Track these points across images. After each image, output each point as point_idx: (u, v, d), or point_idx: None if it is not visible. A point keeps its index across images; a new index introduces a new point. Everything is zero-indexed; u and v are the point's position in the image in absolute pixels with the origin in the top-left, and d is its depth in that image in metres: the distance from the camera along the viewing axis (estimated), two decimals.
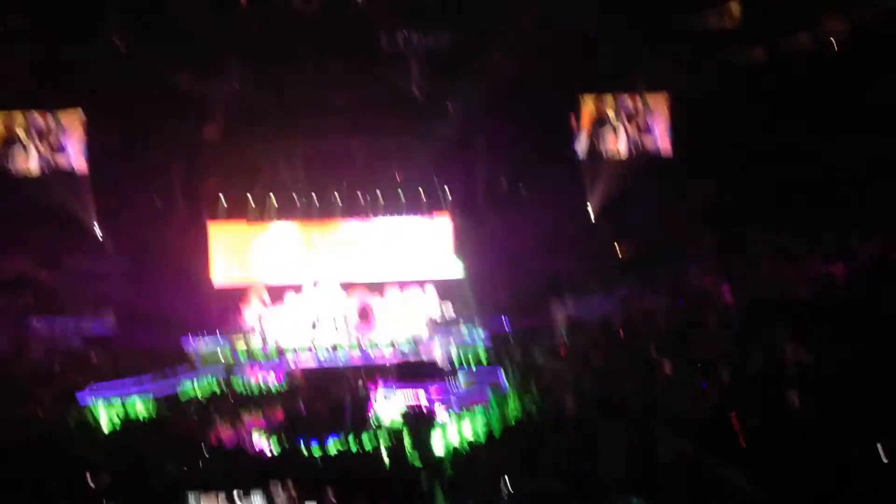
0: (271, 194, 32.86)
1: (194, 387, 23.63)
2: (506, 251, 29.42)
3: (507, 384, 21.38)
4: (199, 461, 14.45)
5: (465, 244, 32.80)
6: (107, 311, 28.78)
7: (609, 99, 29.69)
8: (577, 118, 29.42)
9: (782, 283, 22.05)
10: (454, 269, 32.84)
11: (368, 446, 15.75)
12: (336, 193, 33.08)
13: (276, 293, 31.90)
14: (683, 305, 24.06)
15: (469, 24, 27.16)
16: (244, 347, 28.04)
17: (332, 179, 33.09)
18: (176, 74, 27.93)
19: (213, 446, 16.13)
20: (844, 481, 10.44)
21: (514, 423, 17.98)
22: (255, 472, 13.39)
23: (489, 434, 17.07)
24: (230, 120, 30.73)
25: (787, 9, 27.45)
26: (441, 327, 30.40)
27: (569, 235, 32.31)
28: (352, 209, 33.28)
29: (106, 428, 19.22)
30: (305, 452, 15.24)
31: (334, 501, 11.92)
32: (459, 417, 18.27)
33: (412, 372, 21.71)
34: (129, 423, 19.20)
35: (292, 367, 26.15)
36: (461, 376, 22.30)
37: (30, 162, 28.04)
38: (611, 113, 29.64)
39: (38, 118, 28.17)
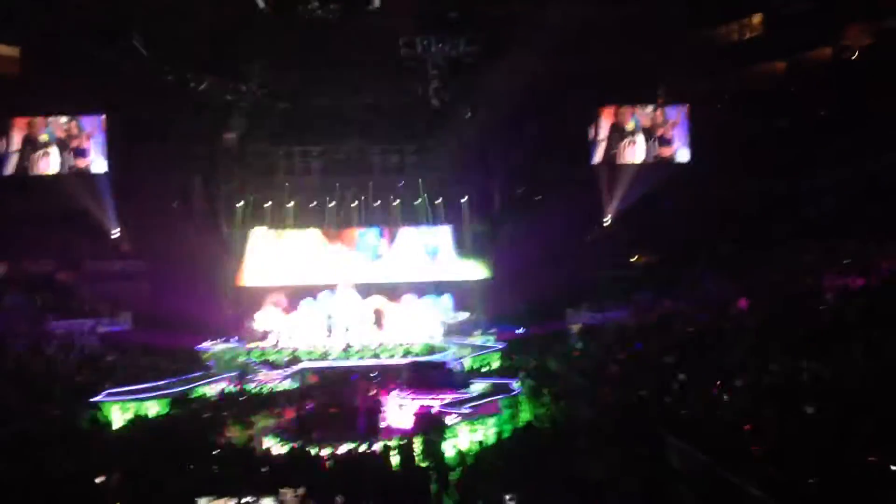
0: (290, 199, 33.12)
1: (209, 390, 23.69)
2: (523, 258, 29.33)
3: (520, 390, 21.31)
4: (211, 465, 14.48)
5: (482, 251, 32.89)
6: (124, 313, 29.00)
7: (628, 110, 29.67)
8: (597, 128, 29.40)
9: (800, 292, 21.86)
10: (471, 276, 32.97)
11: (380, 451, 15.72)
12: (354, 199, 33.31)
13: (293, 297, 32.11)
14: (700, 313, 23.87)
15: (490, 33, 27.22)
16: (259, 351, 28.13)
17: (351, 185, 33.35)
18: (198, 81, 28.23)
19: (225, 450, 16.14)
20: (859, 492, 10.36)
21: (525, 429, 17.93)
22: (267, 477, 13.45)
23: (500, 440, 17.05)
24: (251, 126, 31.06)
25: (807, 19, 27.40)
26: (456, 333, 30.45)
27: (586, 243, 32.35)
28: (369, 215, 33.56)
29: (120, 429, 19.33)
30: (317, 457, 15.23)
31: None
32: (471, 423, 18.21)
33: (425, 377, 21.64)
34: (142, 426, 19.26)
35: (306, 370, 26.17)
36: (474, 382, 22.21)
37: (53, 166, 28.37)
38: (630, 124, 29.63)
39: (61, 123, 28.51)
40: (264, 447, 17.11)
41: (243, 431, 18.79)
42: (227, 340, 29.51)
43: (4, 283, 28.43)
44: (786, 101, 27.69)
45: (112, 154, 28.53)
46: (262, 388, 24.14)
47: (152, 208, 30.77)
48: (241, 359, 27.49)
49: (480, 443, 16.79)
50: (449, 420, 18.23)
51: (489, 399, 19.93)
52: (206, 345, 28.66)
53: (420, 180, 33.19)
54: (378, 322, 31.37)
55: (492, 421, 18.58)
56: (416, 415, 19.05)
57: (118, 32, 26.26)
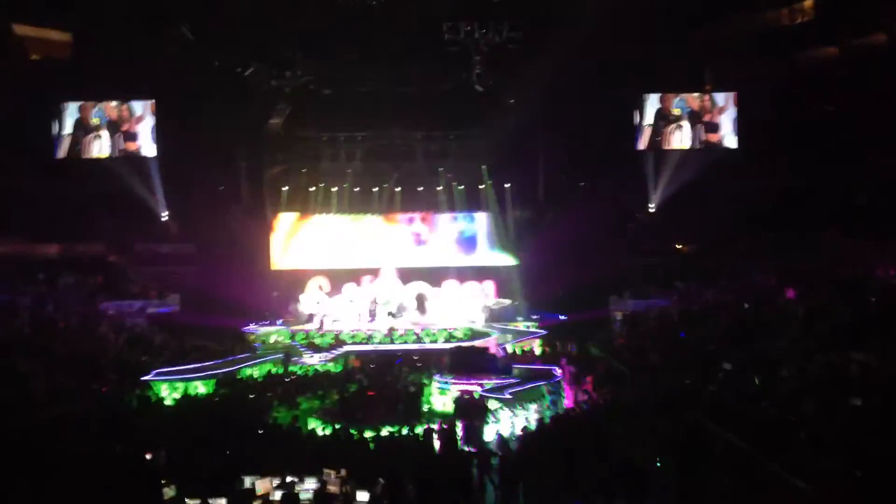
0: (334, 185, 33.40)
1: (255, 371, 24.10)
2: (566, 245, 29.22)
3: (561, 376, 21.32)
4: (256, 445, 14.74)
5: (524, 237, 32.83)
6: (173, 295, 29.54)
7: (673, 96, 29.32)
8: (642, 113, 29.10)
9: (849, 281, 21.47)
10: (513, 262, 32.98)
11: (421, 434, 15.85)
12: (397, 185, 33.47)
13: (336, 281, 32.45)
14: (744, 303, 23.57)
15: (534, 19, 27.03)
16: (303, 334, 28.50)
17: (394, 171, 33.50)
18: (244, 67, 28.51)
19: (270, 430, 16.41)
20: None
21: (566, 415, 17.96)
22: (310, 457, 13.65)
23: (541, 425, 17.09)
24: (296, 112, 31.30)
25: (859, 4, 26.76)
26: (497, 319, 30.51)
27: (630, 230, 32.10)
28: (412, 201, 33.74)
29: (167, 409, 19.74)
30: (360, 439, 15.40)
31: (385, 489, 12.07)
32: (512, 408, 18.27)
33: (466, 361, 21.73)
34: (189, 405, 19.65)
35: (349, 353, 26.46)
36: (515, 367, 22.25)
37: (104, 149, 28.91)
38: (677, 110, 29.27)
39: (111, 108, 29.03)
40: (308, 428, 17.36)
41: (288, 412, 19.13)
42: (272, 323, 30.03)
43: (57, 264, 29.10)
44: (836, 87, 27.06)
45: (161, 138, 28.99)
46: (306, 371, 24.50)
47: (200, 192, 31.30)
48: (286, 341, 27.95)
49: (523, 428, 16.83)
50: (488, 403, 18.33)
51: (529, 384, 19.97)
52: (251, 327, 29.22)
53: (463, 166, 33.19)
54: (420, 307, 31.59)
55: (531, 405, 18.65)
56: (456, 397, 19.20)
57: (166, 18, 26.64)
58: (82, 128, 28.80)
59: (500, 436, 16.78)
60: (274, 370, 24.16)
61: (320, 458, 13.23)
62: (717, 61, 29.59)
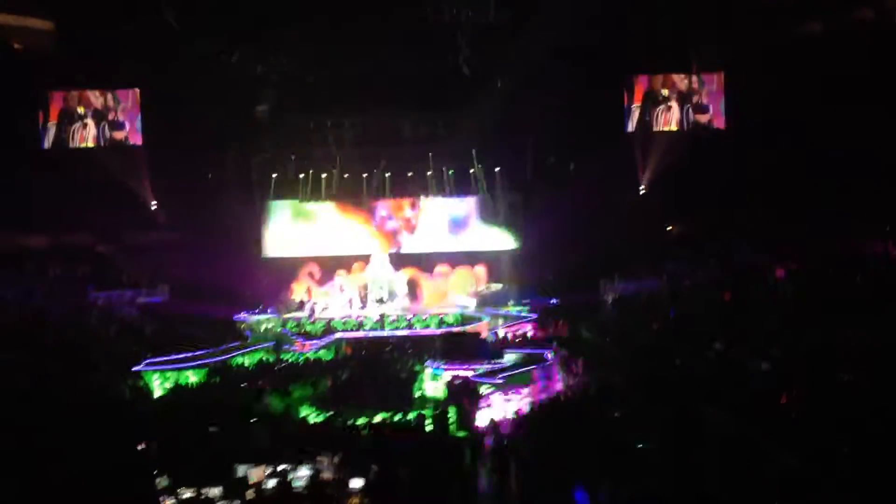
0: (322, 171, 33.22)
1: (245, 360, 24.06)
2: (555, 228, 29.19)
3: (552, 360, 21.35)
4: (249, 434, 14.70)
5: (515, 220, 32.79)
6: (162, 284, 29.41)
7: (661, 77, 29.26)
8: (630, 95, 29.04)
9: (839, 258, 21.56)
10: (503, 246, 32.92)
11: (413, 420, 15.87)
12: (386, 170, 33.32)
13: (326, 268, 32.37)
14: (736, 281, 23.64)
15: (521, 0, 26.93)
16: (294, 322, 28.45)
17: (383, 156, 33.32)
18: (229, 54, 28.30)
19: (262, 419, 16.39)
20: (892, 461, 10.27)
21: (558, 399, 18.01)
22: (303, 445, 13.63)
23: (533, 409, 17.13)
24: (282, 98, 31.10)
25: None
26: (489, 303, 30.51)
27: (620, 212, 32.07)
28: (401, 186, 33.57)
29: (159, 398, 19.71)
30: (352, 426, 15.41)
31: (379, 475, 12.06)
32: (504, 392, 18.31)
33: (458, 347, 21.75)
34: (181, 394, 19.61)
35: (340, 340, 26.45)
36: (507, 352, 22.28)
37: (90, 138, 28.70)
38: (665, 91, 29.23)
39: (97, 97, 28.81)
40: (301, 416, 17.36)
41: (280, 400, 19.10)
42: (263, 311, 29.95)
43: (45, 255, 28.95)
44: (822, 65, 27.03)
45: (147, 126, 28.79)
46: (298, 358, 24.48)
47: (188, 180, 31.08)
48: (277, 329, 27.90)
49: (511, 412, 16.87)
50: (480, 388, 18.36)
51: (521, 368, 20.01)
52: (242, 315, 29.11)
53: (451, 150, 33.04)
54: (412, 293, 31.55)
55: (523, 389, 18.69)
56: (448, 382, 19.23)
57: (150, 6, 26.40)
58: (68, 117, 28.59)
59: (492, 420, 16.81)
60: (265, 358, 24.12)
61: (313, 445, 13.21)
62: (704, 41, 29.50)
